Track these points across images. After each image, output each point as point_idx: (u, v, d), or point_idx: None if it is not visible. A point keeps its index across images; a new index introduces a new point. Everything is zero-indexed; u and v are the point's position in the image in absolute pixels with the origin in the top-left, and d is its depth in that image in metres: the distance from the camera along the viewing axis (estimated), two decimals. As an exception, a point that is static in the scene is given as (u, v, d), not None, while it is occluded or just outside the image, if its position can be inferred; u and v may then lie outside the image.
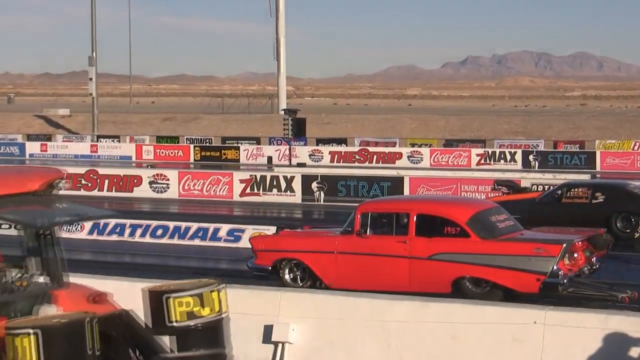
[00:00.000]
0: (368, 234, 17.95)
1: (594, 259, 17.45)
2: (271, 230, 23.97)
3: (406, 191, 36.16)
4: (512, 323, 12.33)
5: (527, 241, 17.23)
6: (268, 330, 13.48)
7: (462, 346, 12.51)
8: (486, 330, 12.45)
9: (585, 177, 39.31)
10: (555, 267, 16.44)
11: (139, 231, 26.87)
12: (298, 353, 13.35)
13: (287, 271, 18.77)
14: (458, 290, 17.01)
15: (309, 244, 18.79)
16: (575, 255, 16.93)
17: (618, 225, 25.62)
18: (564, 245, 16.65)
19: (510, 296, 16.51)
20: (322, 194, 38.11)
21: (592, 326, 11.90)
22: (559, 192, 26.90)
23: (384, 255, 17.62)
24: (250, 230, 25.31)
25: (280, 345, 13.37)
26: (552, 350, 12.00)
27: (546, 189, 30.09)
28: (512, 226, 18.02)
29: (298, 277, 18.70)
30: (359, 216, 18.04)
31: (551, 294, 16.55)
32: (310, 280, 18.45)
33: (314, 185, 38.34)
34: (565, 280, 16.44)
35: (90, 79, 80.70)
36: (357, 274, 17.81)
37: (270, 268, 18.91)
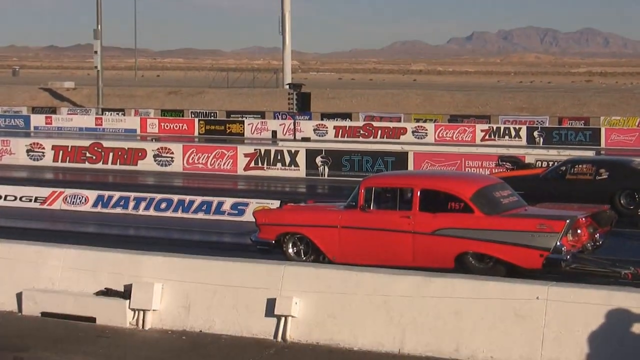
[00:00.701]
0: (372, 208, 17.91)
1: (597, 236, 17.42)
2: (275, 204, 24.01)
3: (410, 166, 36.14)
4: (514, 299, 12.36)
5: (530, 217, 17.19)
6: (271, 304, 13.53)
7: (464, 321, 12.55)
8: (489, 305, 12.48)
9: (589, 153, 39.26)
10: (558, 243, 16.41)
11: (143, 204, 26.89)
12: (301, 327, 13.39)
13: (290, 245, 18.75)
14: (461, 266, 16.99)
15: (312, 218, 18.76)
16: (579, 231, 16.90)
17: (622, 201, 25.60)
18: (568, 221, 16.62)
19: (513, 272, 16.49)
20: (326, 169, 38.09)
21: (595, 302, 11.93)
22: (563, 168, 26.85)
23: (387, 230, 17.59)
24: (254, 204, 25.34)
25: (283, 319, 13.41)
26: (554, 326, 12.03)
27: (550, 166, 30.05)
28: (516, 202, 17.98)
29: (301, 251, 18.67)
30: (362, 191, 18.01)
31: (554, 270, 16.52)
32: (314, 254, 18.43)
33: (318, 159, 38.31)
34: (568, 257, 16.42)
35: (95, 52, 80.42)
36: (361, 248, 17.79)
37: (273, 242, 18.88)
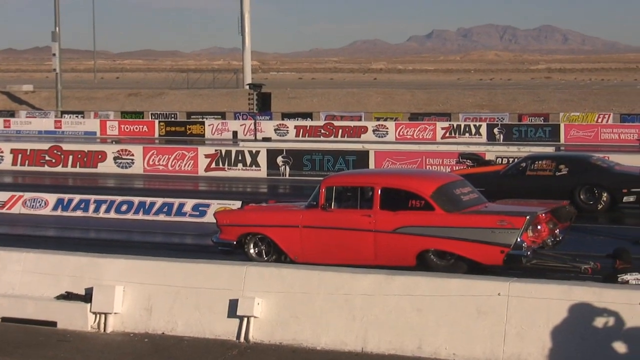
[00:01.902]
0: (333, 207, 17.91)
1: (557, 231, 17.50)
2: (236, 205, 23.97)
3: (371, 165, 36.20)
4: (476, 295, 12.40)
5: (491, 214, 17.25)
6: (233, 305, 13.49)
7: (427, 319, 12.57)
8: (451, 302, 12.51)
9: (549, 149, 39.49)
10: (519, 239, 16.48)
11: (103, 207, 26.72)
12: (263, 327, 13.36)
13: (252, 246, 18.71)
14: (423, 264, 17.03)
15: (273, 218, 18.75)
16: (539, 227, 16.98)
17: (582, 197, 25.77)
18: (528, 217, 16.69)
19: (475, 269, 16.55)
20: (288, 168, 38.09)
21: (555, 297, 11.99)
22: (523, 164, 26.99)
23: (348, 229, 17.60)
24: (215, 205, 25.25)
25: (245, 320, 13.38)
26: (516, 321, 12.08)
27: (511, 162, 30.21)
28: (476, 199, 18.04)
29: (263, 251, 18.65)
30: (323, 190, 18.00)
31: (515, 266, 16.60)
32: (276, 254, 18.40)
33: (280, 159, 38.29)
34: (529, 252, 16.50)
35: (54, 54, 79.95)
36: (322, 248, 17.79)
37: (235, 243, 18.84)
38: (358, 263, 16.38)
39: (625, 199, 25.53)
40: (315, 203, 18.15)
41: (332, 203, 17.92)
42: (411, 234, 17.13)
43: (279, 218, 18.64)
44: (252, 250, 18.69)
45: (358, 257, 17.25)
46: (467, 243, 16.77)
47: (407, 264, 16.85)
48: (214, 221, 20.00)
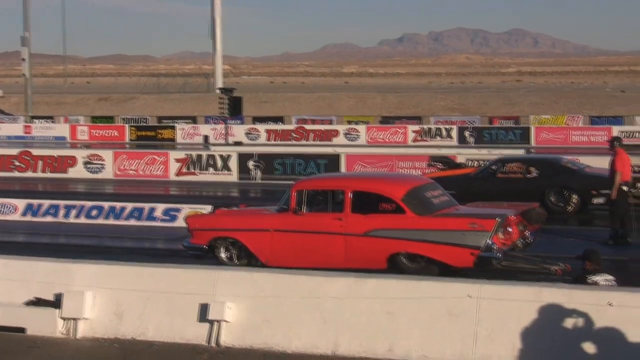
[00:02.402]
0: (304, 211, 17.89)
1: (528, 233, 17.56)
2: (207, 209, 23.90)
3: (343, 168, 36.21)
4: (447, 297, 12.42)
5: (461, 216, 17.28)
6: (204, 309, 13.45)
7: (398, 321, 12.57)
8: (422, 305, 12.52)
9: (520, 152, 39.62)
10: (489, 242, 16.52)
11: (73, 212, 26.59)
12: (235, 331, 13.33)
13: (222, 250, 18.67)
14: (394, 266, 17.01)
15: (244, 222, 18.71)
16: (510, 229, 17.02)
17: (552, 199, 25.89)
18: (498, 219, 16.74)
19: (447, 271, 16.57)
20: (259, 173, 38.03)
21: (525, 299, 12.03)
22: (494, 167, 27.09)
23: (319, 232, 17.58)
24: (186, 209, 25.19)
25: (216, 324, 13.34)
26: (486, 323, 12.11)
27: (481, 165, 30.29)
28: (447, 202, 18.07)
29: (234, 255, 18.62)
30: (294, 194, 17.99)
31: (486, 268, 16.63)
32: (247, 258, 18.37)
33: (251, 163, 38.24)
34: (499, 255, 16.53)
35: (23, 59, 79.59)
36: (293, 251, 17.76)
37: (206, 247, 18.79)
38: (329, 266, 16.35)
39: (594, 200, 25.66)
40: (286, 207, 18.13)
41: (303, 207, 17.90)
42: (382, 237, 17.13)
43: (250, 222, 18.61)
44: (223, 255, 18.64)
45: (329, 261, 17.24)
46: (438, 246, 16.79)
47: (379, 267, 16.84)
48: (185, 226, 19.94)
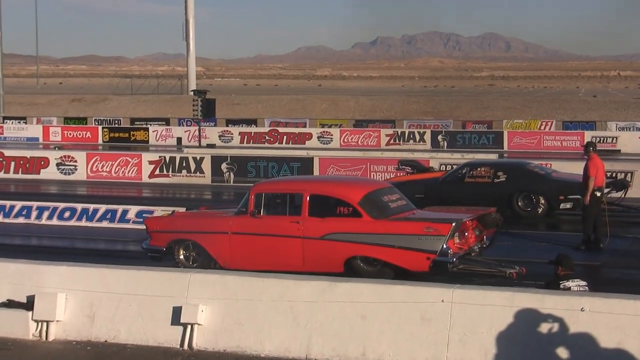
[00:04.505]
0: (262, 214, 17.89)
1: (484, 237, 17.73)
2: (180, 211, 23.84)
3: (316, 171, 36.20)
4: (420, 302, 12.44)
5: (417, 220, 17.34)
6: (177, 312, 13.42)
7: (371, 325, 12.58)
8: (395, 309, 12.53)
9: (492, 156, 39.75)
10: (445, 246, 16.57)
11: (46, 213, 26.46)
12: (207, 334, 13.31)
13: (181, 252, 18.66)
14: (350, 270, 17.08)
15: (202, 224, 18.69)
16: (466, 233, 17.13)
17: (519, 203, 25.98)
18: (454, 224, 16.79)
19: (403, 275, 16.59)
20: (232, 175, 38.00)
21: (498, 304, 12.07)
22: (462, 171, 27.14)
23: (277, 235, 17.58)
24: (159, 211, 25.10)
25: (189, 327, 13.32)
26: (459, 328, 12.13)
27: (450, 169, 30.38)
28: (404, 206, 18.11)
29: (192, 257, 18.61)
30: (252, 197, 18.00)
31: (441, 272, 16.65)
32: (205, 261, 18.32)
33: (224, 166, 38.20)
34: (454, 259, 16.57)
35: (-5, 59, 79.13)
36: (251, 254, 17.75)
37: (164, 249, 18.77)
38: (287, 269, 16.25)
39: (562, 205, 25.77)
40: (244, 209, 18.14)
41: (261, 209, 17.91)
42: (339, 241, 17.18)
43: (208, 224, 18.60)
44: (181, 257, 18.64)
45: (287, 264, 17.23)
46: (394, 250, 16.84)
47: (335, 270, 16.91)
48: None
